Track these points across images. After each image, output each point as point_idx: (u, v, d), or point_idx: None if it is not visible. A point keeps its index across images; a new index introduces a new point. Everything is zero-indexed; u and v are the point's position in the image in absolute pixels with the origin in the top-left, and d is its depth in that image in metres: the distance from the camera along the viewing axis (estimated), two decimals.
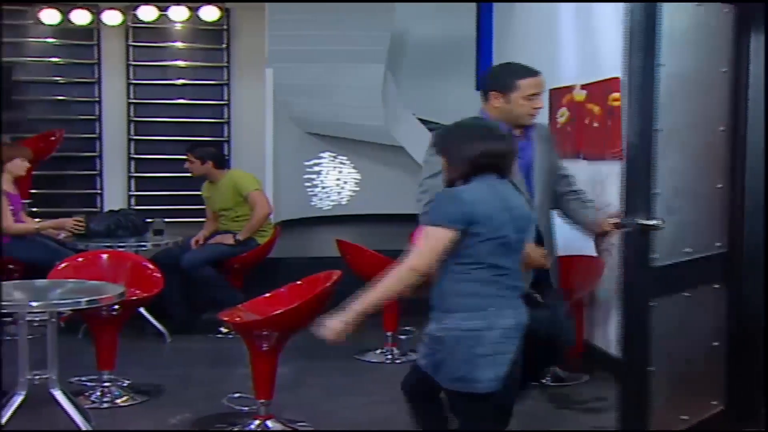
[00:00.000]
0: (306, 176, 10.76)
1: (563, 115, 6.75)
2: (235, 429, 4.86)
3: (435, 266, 3.45)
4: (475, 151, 3.48)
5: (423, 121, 10.31)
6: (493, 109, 4.20)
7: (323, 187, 10.94)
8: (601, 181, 6.04)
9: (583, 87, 6.40)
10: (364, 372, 6.25)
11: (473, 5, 8.91)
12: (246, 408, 5.00)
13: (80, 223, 7.07)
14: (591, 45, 6.37)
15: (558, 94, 6.77)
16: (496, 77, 4.34)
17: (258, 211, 7.27)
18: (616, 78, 5.37)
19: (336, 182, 10.99)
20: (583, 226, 4.51)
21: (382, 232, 9.13)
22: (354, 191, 11.04)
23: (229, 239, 7.17)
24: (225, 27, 10.16)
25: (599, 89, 6.11)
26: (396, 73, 10.05)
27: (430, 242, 3.43)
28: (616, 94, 5.75)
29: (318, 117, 10.32)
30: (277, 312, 4.70)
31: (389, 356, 6.50)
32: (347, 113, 9.85)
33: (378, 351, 6.56)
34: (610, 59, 5.64)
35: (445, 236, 3.39)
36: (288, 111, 10.05)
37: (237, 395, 5.23)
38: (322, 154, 10.83)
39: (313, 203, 10.82)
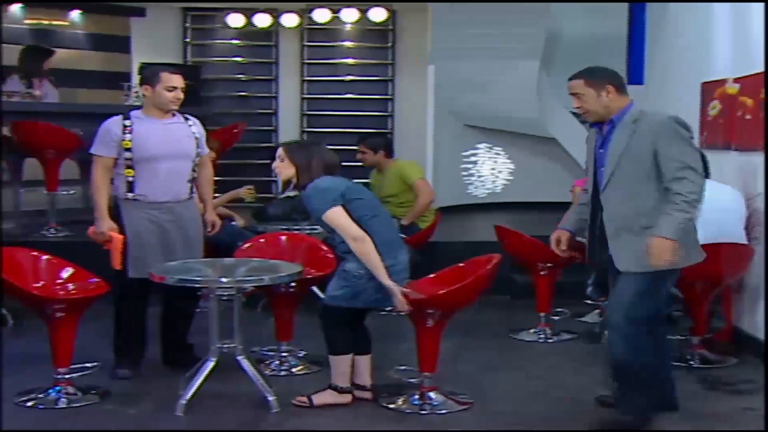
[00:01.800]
0: (463, 166, 10.74)
1: (715, 107, 6.55)
2: (400, 399, 4.92)
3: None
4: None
5: (574, 115, 10.17)
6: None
7: (479, 176, 10.89)
8: (752, 172, 5.87)
9: (737, 80, 6.20)
10: (518, 350, 6.22)
11: (625, 4, 8.72)
12: (411, 380, 5.05)
13: (251, 192, 7.28)
14: (745, 39, 6.14)
15: (710, 88, 6.58)
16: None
17: (422, 198, 7.33)
18: None
19: (491, 172, 10.92)
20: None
21: (533, 219, 9.03)
22: (508, 180, 10.95)
23: None
24: (391, 27, 10.26)
25: (753, 82, 5.90)
26: (549, 69, 9.92)
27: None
28: None
29: (475, 110, 10.29)
30: (442, 291, 4.73)
31: (542, 336, 6.44)
32: (503, 107, 9.80)
33: (531, 330, 6.52)
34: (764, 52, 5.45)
35: None
36: (447, 105, 10.06)
37: (403, 367, 5.29)
38: (478, 146, 10.78)
39: (469, 191, 10.79)
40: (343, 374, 4.81)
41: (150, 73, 5.41)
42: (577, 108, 4.48)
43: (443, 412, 4.83)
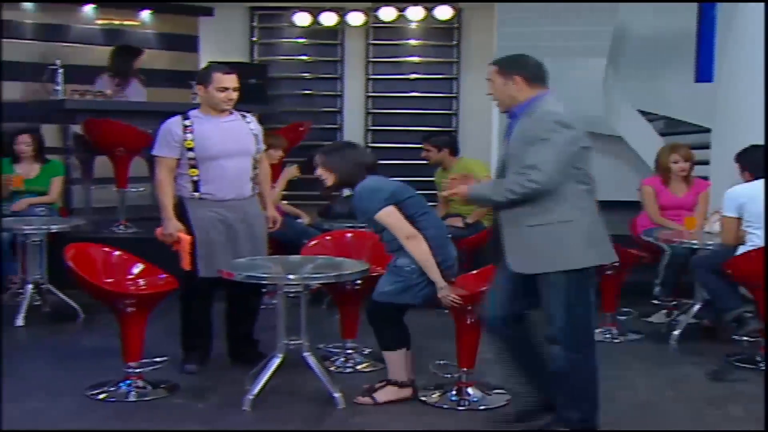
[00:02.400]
0: None
1: None
2: (436, 393, 4.94)
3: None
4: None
5: (641, 113, 10.06)
6: None
7: None
8: None
9: None
10: None
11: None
12: (449, 375, 5.06)
13: (298, 169, 7.35)
14: None
15: None
16: None
17: None
18: None
19: None
20: None
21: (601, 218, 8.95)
22: None
23: (458, 222, 7.22)
24: (456, 25, 10.23)
25: None
26: (616, 67, 9.83)
27: None
28: None
29: None
30: (482, 289, 4.71)
31: (608, 336, 6.36)
32: (569, 105, 9.70)
33: (597, 330, 6.43)
34: None
35: None
36: None
37: (443, 362, 5.30)
38: None
39: None
40: (400, 368, 4.84)
41: (204, 74, 5.44)
42: (489, 94, 4.38)
43: (482, 408, 4.83)
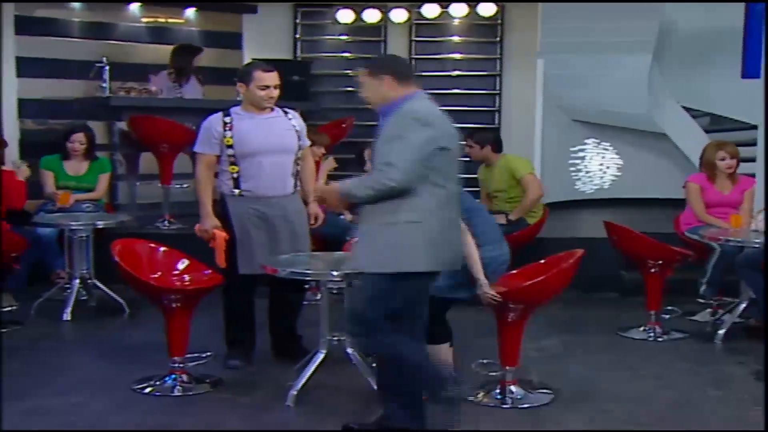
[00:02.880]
0: (570, 161, 10.63)
1: None
2: (480, 392, 4.93)
3: None
4: None
5: (686, 109, 9.95)
6: None
7: (587, 172, 10.76)
8: None
9: None
10: (626, 348, 6.11)
11: None
12: (493, 373, 5.08)
13: (333, 162, 7.49)
14: None
15: None
16: None
17: (531, 194, 7.27)
18: None
19: (599, 167, 10.79)
20: None
21: (642, 216, 8.90)
22: (616, 176, 10.80)
23: (501, 219, 7.18)
24: (500, 22, 10.18)
25: None
26: (661, 62, 9.73)
27: None
28: None
29: (584, 105, 10.17)
30: (524, 285, 4.74)
31: (651, 334, 6.32)
32: (613, 101, 9.67)
33: (641, 328, 6.40)
34: None
35: None
36: (555, 100, 9.96)
37: (485, 361, 5.30)
38: (586, 141, 10.65)
39: (576, 187, 10.67)
40: (442, 362, 4.84)
41: (245, 72, 5.46)
42: (362, 96, 4.38)
43: (526, 406, 4.83)
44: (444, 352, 4.84)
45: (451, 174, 4.18)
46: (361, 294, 4.21)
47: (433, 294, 4.72)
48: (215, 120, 5.36)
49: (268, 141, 5.34)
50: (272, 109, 5.44)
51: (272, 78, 5.34)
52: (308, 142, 5.65)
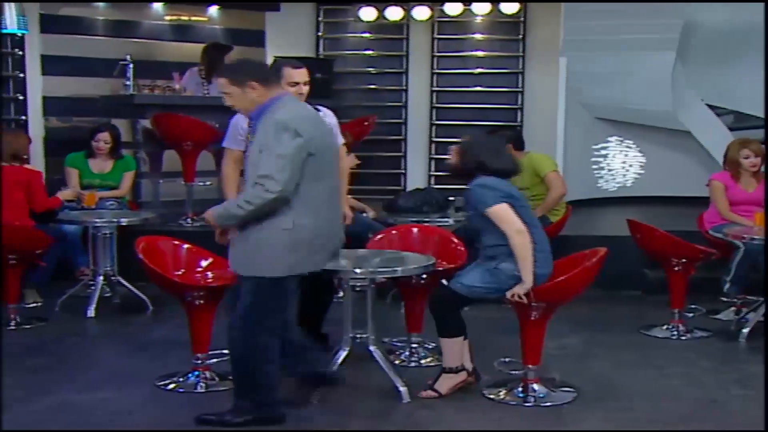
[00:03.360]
0: (593, 159, 10.58)
1: None
2: (502, 390, 4.94)
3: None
4: None
5: (710, 107, 9.89)
6: None
7: (609, 170, 10.71)
8: None
9: None
10: (650, 346, 6.08)
11: None
12: (515, 372, 5.08)
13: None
14: None
15: None
16: None
17: (554, 192, 7.24)
18: None
19: (622, 165, 10.73)
20: None
21: (665, 214, 8.84)
22: (639, 174, 10.74)
23: None
24: (522, 19, 10.17)
25: None
26: (685, 60, 9.67)
27: None
28: None
29: (607, 103, 10.12)
30: (545, 284, 4.72)
31: (675, 333, 6.29)
32: (636, 99, 9.61)
33: (664, 327, 6.37)
34: None
35: None
36: (578, 97, 9.91)
37: (507, 360, 5.29)
38: (609, 138, 10.60)
39: (599, 185, 10.62)
40: (454, 355, 4.88)
41: (273, 69, 5.46)
42: (229, 105, 4.42)
43: (548, 404, 4.82)
44: (458, 345, 4.86)
45: (326, 173, 4.34)
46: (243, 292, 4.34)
47: (462, 292, 4.74)
48: (242, 116, 5.36)
49: None
50: None
51: (302, 74, 5.31)
52: (342, 140, 5.60)
